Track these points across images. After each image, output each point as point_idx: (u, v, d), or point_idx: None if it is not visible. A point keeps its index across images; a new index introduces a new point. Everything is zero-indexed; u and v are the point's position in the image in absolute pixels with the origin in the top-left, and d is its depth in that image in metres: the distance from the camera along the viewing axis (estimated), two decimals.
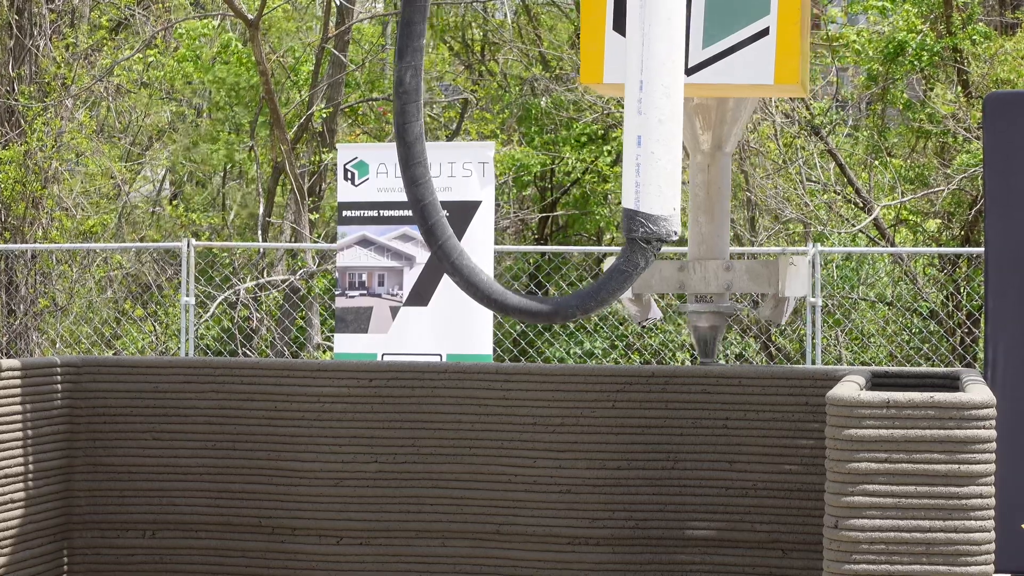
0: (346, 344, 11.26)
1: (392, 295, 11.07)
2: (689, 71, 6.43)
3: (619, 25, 6.42)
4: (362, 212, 11.43)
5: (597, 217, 20.91)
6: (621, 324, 17.54)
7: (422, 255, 11.02)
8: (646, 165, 5.92)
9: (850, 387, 4.88)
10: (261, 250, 18.04)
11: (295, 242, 18.07)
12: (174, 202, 23.43)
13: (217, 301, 16.38)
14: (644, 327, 6.86)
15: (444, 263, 6.10)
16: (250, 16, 17.45)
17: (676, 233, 5.99)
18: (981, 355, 13.66)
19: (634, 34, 5.98)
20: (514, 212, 19.51)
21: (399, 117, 6.04)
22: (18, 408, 6.17)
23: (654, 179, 5.93)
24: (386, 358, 11.01)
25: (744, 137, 16.94)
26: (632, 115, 5.95)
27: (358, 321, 11.28)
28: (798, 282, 6.65)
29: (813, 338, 13.09)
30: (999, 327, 6.13)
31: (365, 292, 11.26)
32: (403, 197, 11.47)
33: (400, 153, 6.10)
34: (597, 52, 6.45)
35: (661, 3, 5.94)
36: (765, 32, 6.38)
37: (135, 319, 17.99)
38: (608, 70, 6.50)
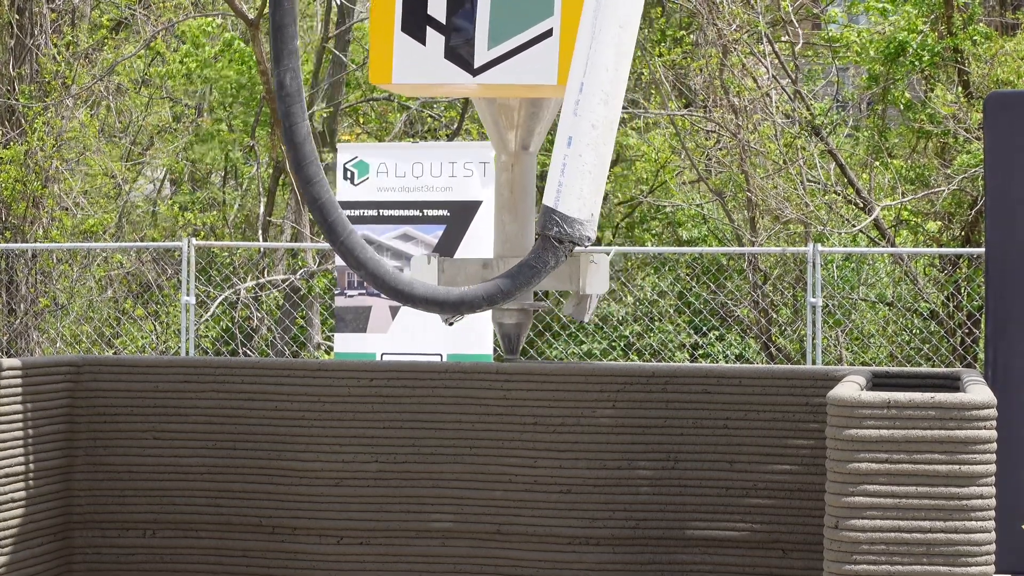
0: (345, 344, 11.27)
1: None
2: (475, 72, 6.52)
3: (408, 26, 6.51)
4: (362, 212, 11.43)
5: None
6: (621, 324, 17.54)
7: (421, 254, 11.03)
8: (572, 167, 5.96)
9: (851, 387, 4.88)
10: (261, 249, 18.04)
11: (295, 242, 18.07)
12: (170, 201, 23.43)
13: (217, 301, 16.38)
14: (451, 324, 6.93)
15: (348, 258, 6.17)
16: (251, 16, 17.45)
17: (590, 239, 6.04)
18: (982, 356, 13.65)
19: (583, 36, 6.02)
20: None
21: (285, 120, 6.11)
22: (18, 407, 6.17)
23: (577, 181, 5.97)
24: (385, 358, 11.01)
25: (744, 137, 16.94)
26: (568, 115, 6.00)
27: (357, 320, 11.29)
28: (599, 279, 6.72)
29: (813, 338, 13.09)
30: (1000, 328, 6.13)
31: (364, 291, 11.27)
32: (404, 197, 11.50)
33: (290, 155, 6.17)
34: (386, 52, 6.53)
35: (616, 10, 5.97)
36: (549, 33, 6.44)
37: (135, 318, 17.99)
38: (397, 71, 6.58)
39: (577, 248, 6.14)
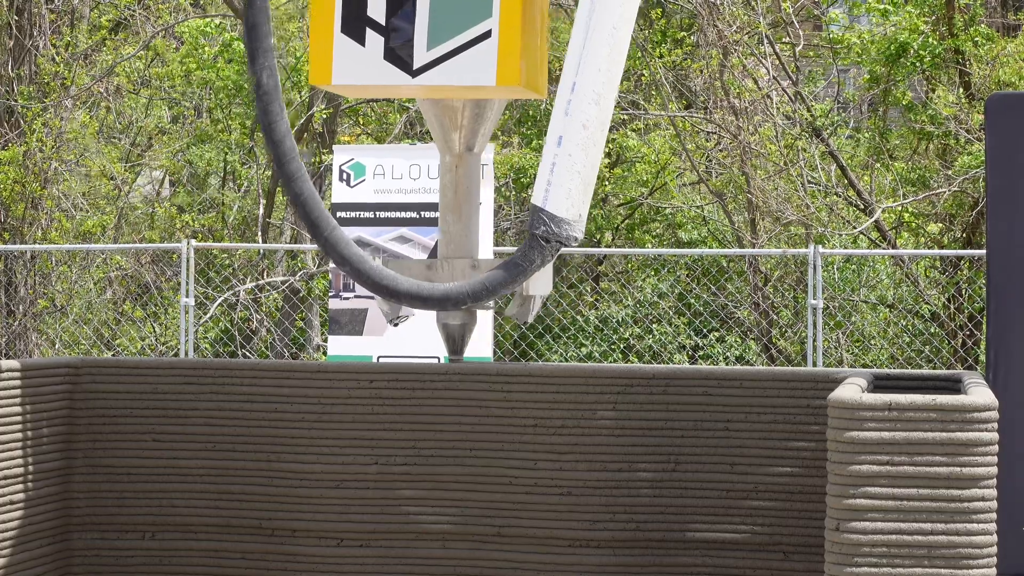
0: (340, 346, 11.24)
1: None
2: (414, 73, 6.56)
3: (347, 27, 6.54)
4: (358, 213, 11.41)
5: (597, 219, 20.87)
6: (621, 326, 17.53)
7: (420, 257, 11.00)
8: (561, 167, 5.97)
9: (852, 389, 4.87)
10: (261, 251, 18.03)
11: (295, 243, 18.06)
12: (168, 202, 23.42)
13: (217, 302, 16.37)
14: (396, 324, 6.97)
15: (332, 254, 6.19)
16: None
17: (577, 239, 6.05)
18: (983, 358, 13.64)
19: (577, 36, 6.02)
20: (514, 214, 19.50)
21: (264, 117, 6.13)
22: (17, 409, 6.16)
23: (566, 182, 5.98)
24: (382, 360, 10.99)
25: (745, 139, 16.93)
26: (559, 115, 6.01)
27: (352, 323, 11.26)
28: (543, 280, 6.75)
29: (814, 340, 13.08)
30: (1001, 329, 6.12)
31: (359, 294, 11.24)
32: (401, 199, 11.48)
33: (271, 151, 6.19)
34: (326, 53, 6.57)
35: (610, 12, 5.97)
36: (488, 35, 6.48)
37: (134, 320, 17.98)
38: (336, 71, 6.61)
39: (564, 248, 6.16)
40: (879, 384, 5.82)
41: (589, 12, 6.00)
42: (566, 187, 5.98)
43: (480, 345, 11.17)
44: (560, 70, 6.27)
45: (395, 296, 6.19)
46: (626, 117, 20.00)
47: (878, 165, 18.21)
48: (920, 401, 4.65)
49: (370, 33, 6.56)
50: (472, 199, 7.10)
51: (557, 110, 6.01)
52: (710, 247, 19.51)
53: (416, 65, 6.55)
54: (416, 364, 6.59)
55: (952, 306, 15.84)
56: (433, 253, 11.09)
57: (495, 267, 6.29)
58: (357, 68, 6.57)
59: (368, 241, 11.22)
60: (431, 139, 21.46)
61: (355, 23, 6.56)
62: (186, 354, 13.65)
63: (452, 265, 6.89)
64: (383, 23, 6.54)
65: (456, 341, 7.07)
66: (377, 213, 11.47)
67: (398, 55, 6.54)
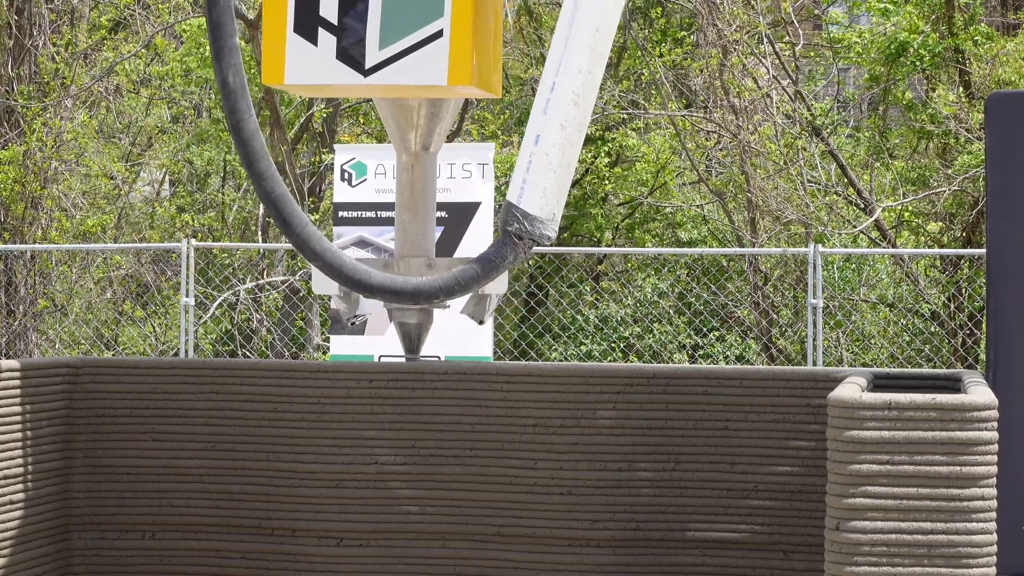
0: (342, 346, 11.23)
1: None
2: (366, 72, 6.59)
3: (300, 27, 6.56)
4: (359, 213, 11.41)
5: (597, 218, 20.89)
6: (621, 326, 17.53)
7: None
8: (537, 165, 5.99)
9: (852, 388, 4.87)
10: (261, 251, 18.03)
11: None
12: (168, 202, 23.42)
13: (217, 302, 16.36)
14: (353, 323, 7.04)
15: (304, 250, 6.20)
16: (250, 16, 17.43)
17: (550, 238, 6.06)
18: (983, 357, 13.65)
19: (559, 36, 6.03)
20: None
21: (232, 116, 6.13)
22: (17, 409, 6.16)
23: (541, 180, 5.99)
24: (383, 360, 10.98)
25: (745, 138, 16.93)
26: (538, 113, 6.02)
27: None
28: (498, 281, 6.77)
29: (814, 339, 13.08)
30: (1001, 329, 6.12)
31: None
32: None
33: (240, 151, 6.20)
34: (278, 53, 6.59)
35: (593, 13, 5.97)
36: (439, 34, 6.52)
37: (134, 320, 17.98)
38: (289, 71, 6.65)
39: (536, 247, 6.17)
40: (879, 383, 5.82)
41: (572, 12, 6.01)
42: (541, 186, 5.99)
43: (480, 345, 11.17)
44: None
45: (368, 290, 6.21)
46: (626, 116, 20.00)
47: (878, 164, 18.21)
48: (920, 400, 4.65)
49: (322, 33, 6.59)
50: (428, 198, 7.15)
51: (536, 108, 6.04)
52: (710, 246, 19.52)
53: (368, 64, 6.58)
54: (416, 364, 6.60)
55: (952, 305, 15.84)
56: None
57: (469, 262, 6.31)
58: (310, 68, 6.61)
59: (370, 240, 11.22)
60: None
61: (308, 23, 6.59)
62: (186, 354, 13.64)
63: (408, 264, 6.92)
64: (335, 23, 6.57)
65: (412, 340, 7.11)
66: (379, 212, 11.47)
67: (350, 55, 6.57)
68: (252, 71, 20.48)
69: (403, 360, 6.99)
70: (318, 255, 6.22)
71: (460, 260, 7.02)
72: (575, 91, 5.97)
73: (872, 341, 16.66)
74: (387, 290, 6.21)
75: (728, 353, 16.96)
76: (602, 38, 6.03)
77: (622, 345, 17.21)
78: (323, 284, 6.95)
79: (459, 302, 6.93)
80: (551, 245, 6.23)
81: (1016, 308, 6.08)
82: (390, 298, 6.27)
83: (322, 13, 6.57)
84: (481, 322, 7.15)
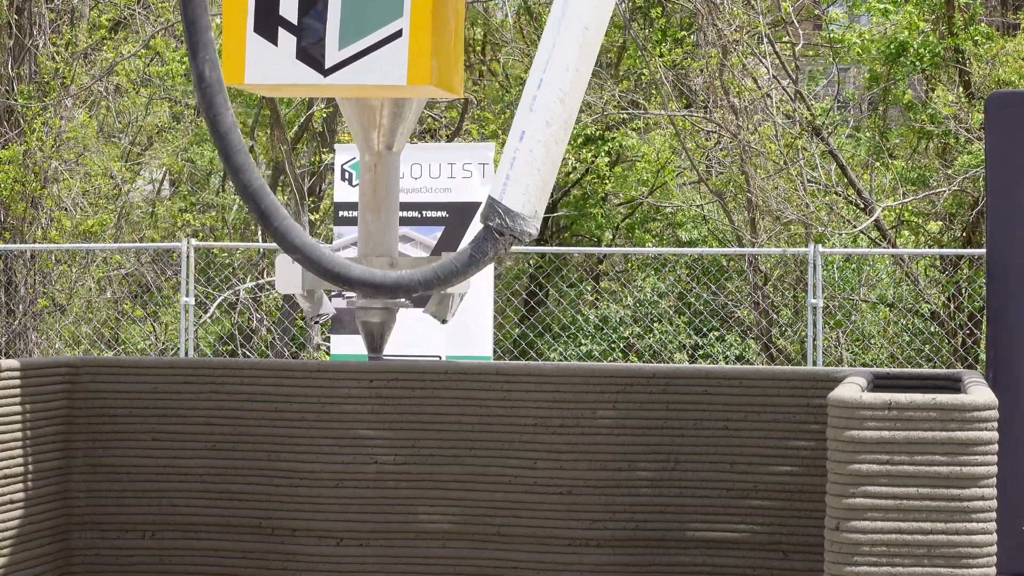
0: (343, 345, 11.23)
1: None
2: (326, 72, 6.60)
3: (260, 27, 6.57)
4: None
5: (598, 218, 20.88)
6: (621, 325, 17.53)
7: (422, 256, 10.99)
8: (521, 161, 5.98)
9: (851, 388, 4.87)
10: (261, 250, 18.03)
11: None
12: (169, 201, 23.41)
13: (217, 301, 16.37)
14: (317, 322, 7.07)
15: (283, 243, 6.20)
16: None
17: (531, 235, 6.06)
18: (983, 356, 13.64)
19: (548, 34, 6.02)
20: None
21: (208, 111, 6.13)
22: (17, 408, 6.16)
23: (524, 177, 5.99)
24: (384, 360, 10.97)
25: (745, 138, 16.93)
26: (524, 110, 6.02)
27: (354, 323, 11.26)
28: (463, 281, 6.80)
29: (814, 339, 13.08)
30: (1001, 329, 6.11)
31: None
32: (403, 198, 11.47)
33: (218, 144, 6.20)
34: (238, 53, 6.61)
35: (583, 11, 5.97)
36: (398, 34, 6.54)
37: (134, 319, 17.98)
38: (249, 71, 6.67)
39: (515, 245, 6.17)
40: (879, 383, 5.82)
41: (562, 10, 6.01)
42: (524, 183, 5.99)
43: (480, 344, 11.17)
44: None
45: (347, 284, 6.21)
46: (626, 116, 20.00)
47: (878, 164, 18.21)
48: (920, 400, 4.65)
49: (282, 33, 6.61)
50: (391, 197, 7.16)
51: (522, 105, 6.03)
52: (710, 246, 19.52)
53: (328, 64, 6.60)
54: (416, 364, 6.60)
55: (952, 305, 15.84)
56: (435, 252, 11.08)
57: (450, 256, 6.32)
58: (270, 67, 6.62)
59: None
60: (431, 138, 21.46)
61: (268, 22, 6.61)
62: (186, 353, 13.64)
63: (371, 263, 6.93)
64: (295, 23, 6.59)
65: (375, 339, 7.12)
66: None
67: (310, 54, 6.59)
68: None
69: (401, 360, 6.99)
70: (297, 248, 6.22)
71: (424, 260, 7.05)
72: (562, 88, 5.96)
73: (872, 341, 16.66)
74: (366, 283, 6.21)
75: (728, 353, 16.96)
76: (591, 37, 6.02)
77: (622, 345, 17.21)
78: (286, 284, 6.98)
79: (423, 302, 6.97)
80: (531, 243, 6.24)
81: (1016, 308, 6.08)
82: (369, 292, 6.27)
83: (282, 13, 6.59)
84: (444, 321, 7.15)
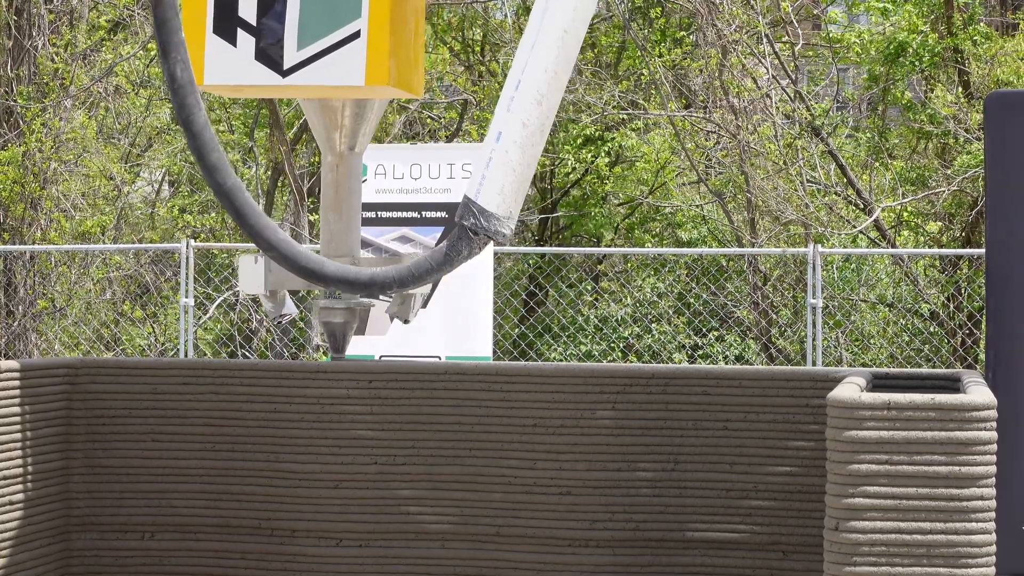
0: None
1: (390, 297, 11.06)
2: (284, 73, 6.63)
3: (219, 28, 6.59)
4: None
5: (597, 218, 20.89)
6: (621, 326, 17.52)
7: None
8: (497, 162, 5.99)
9: (851, 388, 4.87)
10: (260, 251, 18.01)
11: None
12: (169, 202, 23.42)
13: (216, 302, 16.37)
14: (281, 322, 7.10)
15: (258, 241, 6.21)
16: None
17: (506, 236, 6.06)
18: (982, 356, 13.65)
19: (528, 36, 6.03)
20: None
21: (181, 111, 6.13)
22: (16, 410, 6.16)
23: (500, 177, 5.99)
24: (383, 359, 10.99)
25: (744, 138, 16.93)
26: (502, 110, 6.03)
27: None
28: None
29: (814, 339, 13.08)
30: (1000, 328, 6.12)
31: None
32: (402, 199, 11.49)
33: (192, 144, 6.20)
34: (198, 54, 6.63)
35: (562, 14, 5.98)
36: (357, 35, 6.57)
37: (134, 320, 17.98)
38: (208, 72, 6.69)
39: (491, 245, 6.17)
40: (878, 383, 5.82)
41: (542, 13, 6.02)
42: (499, 183, 5.99)
43: (480, 345, 11.17)
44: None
45: (323, 280, 6.21)
46: (626, 116, 20.01)
47: (877, 164, 18.21)
48: (919, 400, 4.65)
49: (241, 34, 6.63)
50: (353, 198, 7.18)
51: (500, 106, 6.03)
52: (710, 246, 19.52)
53: (287, 65, 6.64)
54: (415, 364, 6.60)
55: (951, 305, 15.84)
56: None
57: (424, 254, 6.33)
58: (228, 69, 6.65)
59: (369, 241, 11.22)
60: (431, 139, 21.46)
61: (226, 23, 6.62)
62: (186, 354, 13.64)
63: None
64: (254, 23, 6.60)
65: (338, 339, 7.13)
66: (378, 213, 11.47)
67: (269, 55, 6.62)
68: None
69: (400, 360, 7.00)
70: (272, 246, 6.21)
71: (387, 260, 7.07)
72: (540, 90, 5.97)
73: (871, 341, 16.67)
74: (341, 280, 6.20)
75: (727, 353, 16.96)
76: (570, 40, 6.03)
77: (622, 345, 17.21)
78: (250, 284, 7.00)
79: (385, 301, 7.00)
80: (506, 244, 6.24)
81: (1016, 308, 6.08)
82: (344, 288, 6.27)
83: (241, 14, 6.61)
84: (406, 321, 7.17)
